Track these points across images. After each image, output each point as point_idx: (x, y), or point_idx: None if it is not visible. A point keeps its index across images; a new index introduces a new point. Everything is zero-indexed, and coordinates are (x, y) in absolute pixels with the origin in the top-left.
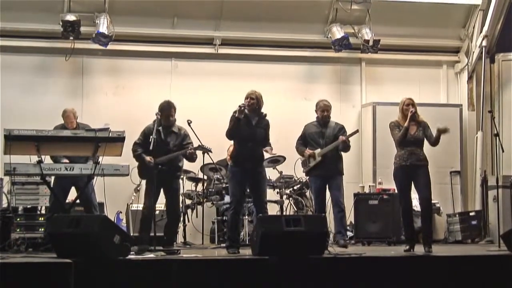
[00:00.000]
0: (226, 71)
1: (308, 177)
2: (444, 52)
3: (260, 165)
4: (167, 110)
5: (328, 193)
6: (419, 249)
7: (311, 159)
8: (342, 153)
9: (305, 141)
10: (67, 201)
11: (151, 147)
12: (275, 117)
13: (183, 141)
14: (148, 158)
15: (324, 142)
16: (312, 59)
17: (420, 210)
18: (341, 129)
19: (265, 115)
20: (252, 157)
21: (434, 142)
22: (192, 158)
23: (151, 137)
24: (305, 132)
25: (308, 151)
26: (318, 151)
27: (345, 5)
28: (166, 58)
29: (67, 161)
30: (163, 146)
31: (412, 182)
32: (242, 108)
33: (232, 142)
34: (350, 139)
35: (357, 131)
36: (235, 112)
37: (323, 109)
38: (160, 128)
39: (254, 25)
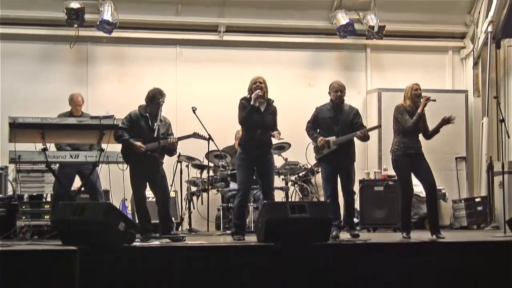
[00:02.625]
0: (231, 58)
1: (318, 162)
2: (449, 38)
3: (269, 151)
4: (159, 97)
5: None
6: (423, 235)
7: (325, 147)
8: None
9: (315, 124)
10: (72, 188)
11: (155, 134)
12: (280, 103)
13: (167, 130)
14: (138, 143)
15: (339, 129)
16: (317, 45)
17: (424, 196)
18: (356, 115)
19: (273, 101)
20: (261, 143)
21: (431, 134)
22: (173, 151)
23: (155, 124)
24: (317, 115)
25: (322, 140)
26: (333, 139)
27: None
28: (170, 45)
29: (69, 148)
30: (150, 133)
31: (413, 171)
32: (259, 95)
33: (239, 127)
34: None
35: (378, 126)
36: (243, 99)
37: (337, 89)
38: (147, 114)
39: (258, 11)
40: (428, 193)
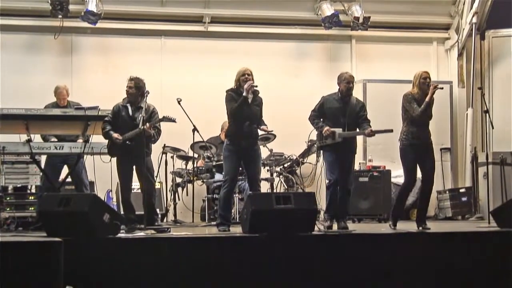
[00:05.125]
0: (216, 49)
1: (319, 150)
2: (434, 29)
3: (255, 143)
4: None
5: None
6: (408, 226)
7: (329, 137)
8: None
9: (321, 113)
10: (60, 179)
11: (140, 125)
12: (265, 94)
13: (150, 118)
14: (115, 134)
15: (346, 121)
16: (302, 36)
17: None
18: (362, 107)
19: (259, 92)
20: (249, 135)
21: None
22: (149, 137)
23: (140, 115)
24: (323, 104)
25: (327, 130)
26: (339, 131)
27: None
28: (155, 36)
29: (55, 139)
30: (131, 122)
31: (418, 161)
32: (253, 87)
33: (225, 118)
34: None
35: (391, 130)
36: (230, 90)
37: (349, 81)
38: (128, 104)
39: (243, 2)
40: (424, 186)
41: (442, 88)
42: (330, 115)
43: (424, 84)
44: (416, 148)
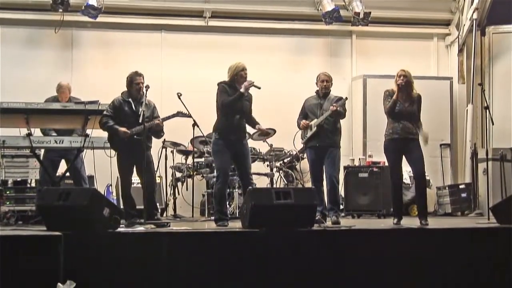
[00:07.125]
0: (216, 44)
1: (304, 148)
2: (434, 25)
3: (244, 136)
4: (136, 79)
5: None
6: (407, 222)
7: (308, 130)
8: (340, 125)
9: (305, 115)
10: (57, 174)
11: (140, 120)
12: (265, 89)
13: (153, 113)
14: (123, 129)
15: (321, 113)
16: (302, 31)
17: (409, 183)
18: (339, 99)
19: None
20: (239, 128)
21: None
22: (159, 132)
23: (140, 109)
24: (304, 105)
25: (304, 122)
26: (314, 121)
27: None
28: (155, 31)
29: (55, 134)
30: (134, 117)
31: (404, 156)
32: (252, 85)
33: None
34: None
35: (345, 98)
36: (223, 83)
37: (323, 79)
38: (130, 99)
39: None
40: (416, 181)
41: (400, 89)
42: (309, 112)
43: (397, 81)
44: (397, 142)
